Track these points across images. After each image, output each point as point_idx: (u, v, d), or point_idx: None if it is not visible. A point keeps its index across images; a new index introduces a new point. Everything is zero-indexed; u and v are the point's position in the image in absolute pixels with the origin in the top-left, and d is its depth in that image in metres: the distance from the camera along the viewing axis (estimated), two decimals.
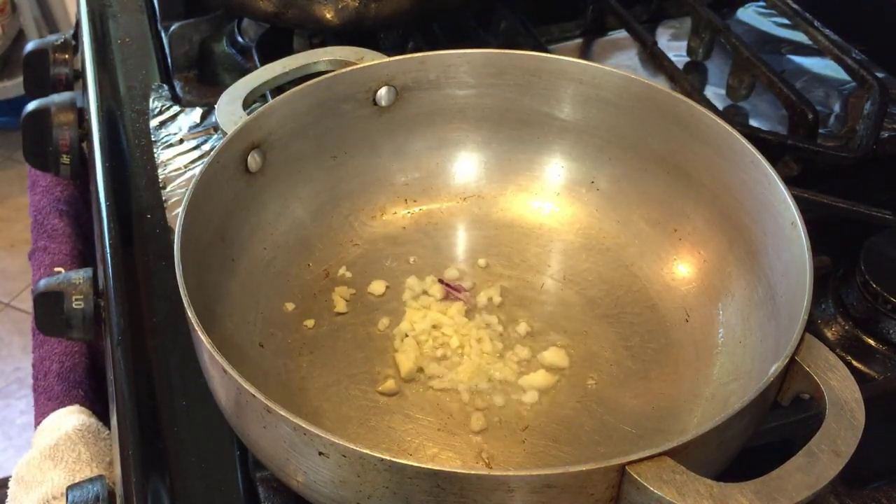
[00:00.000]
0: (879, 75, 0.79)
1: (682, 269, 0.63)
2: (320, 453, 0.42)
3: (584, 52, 0.92)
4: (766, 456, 0.45)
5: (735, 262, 0.60)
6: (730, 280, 0.60)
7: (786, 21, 0.90)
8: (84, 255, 0.89)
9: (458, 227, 0.69)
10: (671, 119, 0.62)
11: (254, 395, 0.43)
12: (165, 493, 0.55)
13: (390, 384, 0.57)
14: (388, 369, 0.59)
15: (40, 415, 0.73)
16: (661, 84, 0.64)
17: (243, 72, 0.79)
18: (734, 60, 0.83)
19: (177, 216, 0.55)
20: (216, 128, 0.79)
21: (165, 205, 0.73)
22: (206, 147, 0.78)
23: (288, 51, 0.71)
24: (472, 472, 0.41)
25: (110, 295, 0.66)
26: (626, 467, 0.41)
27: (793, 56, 0.89)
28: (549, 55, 0.67)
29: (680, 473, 0.40)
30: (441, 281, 0.64)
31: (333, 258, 0.66)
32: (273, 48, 0.86)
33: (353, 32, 0.81)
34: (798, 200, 0.54)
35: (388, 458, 0.41)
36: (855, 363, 0.60)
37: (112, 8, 0.99)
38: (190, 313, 0.48)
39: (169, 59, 0.90)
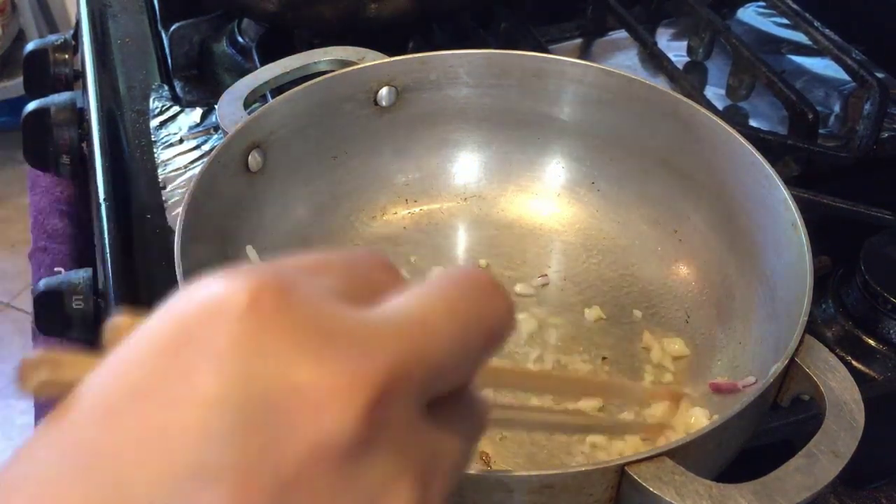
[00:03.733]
0: (879, 75, 0.79)
1: (682, 269, 0.63)
2: None
3: (584, 52, 0.92)
4: (766, 456, 0.45)
5: (735, 262, 0.60)
6: (730, 280, 0.60)
7: (786, 21, 0.90)
8: (84, 255, 0.89)
9: (458, 228, 0.69)
10: (671, 119, 0.62)
11: None
12: None
13: None
14: None
15: (40, 415, 0.73)
16: (661, 84, 0.64)
17: (243, 72, 0.78)
18: (734, 60, 0.83)
19: (177, 216, 0.55)
20: (216, 128, 0.79)
21: (165, 205, 0.73)
22: (206, 147, 0.78)
23: (288, 51, 0.70)
24: (472, 472, 0.41)
25: (110, 295, 0.66)
26: (626, 468, 0.41)
27: (793, 56, 0.89)
28: (549, 56, 0.67)
29: (679, 474, 0.40)
30: None
31: None
32: (273, 48, 0.85)
33: (353, 32, 0.81)
34: (798, 201, 0.54)
35: None
36: (855, 363, 0.60)
37: (112, 8, 0.98)
38: None
39: (169, 59, 0.90)
